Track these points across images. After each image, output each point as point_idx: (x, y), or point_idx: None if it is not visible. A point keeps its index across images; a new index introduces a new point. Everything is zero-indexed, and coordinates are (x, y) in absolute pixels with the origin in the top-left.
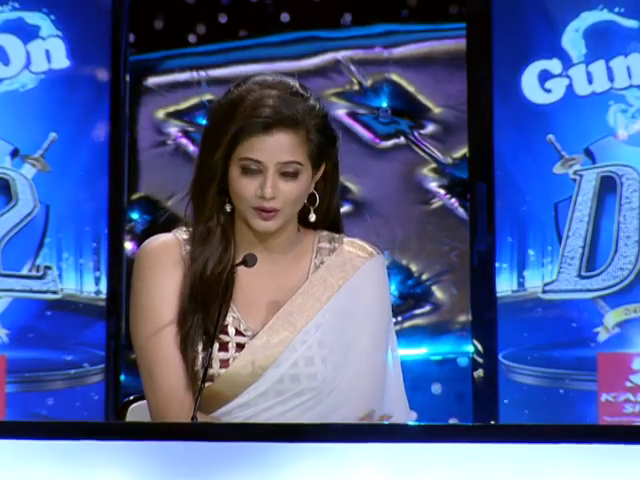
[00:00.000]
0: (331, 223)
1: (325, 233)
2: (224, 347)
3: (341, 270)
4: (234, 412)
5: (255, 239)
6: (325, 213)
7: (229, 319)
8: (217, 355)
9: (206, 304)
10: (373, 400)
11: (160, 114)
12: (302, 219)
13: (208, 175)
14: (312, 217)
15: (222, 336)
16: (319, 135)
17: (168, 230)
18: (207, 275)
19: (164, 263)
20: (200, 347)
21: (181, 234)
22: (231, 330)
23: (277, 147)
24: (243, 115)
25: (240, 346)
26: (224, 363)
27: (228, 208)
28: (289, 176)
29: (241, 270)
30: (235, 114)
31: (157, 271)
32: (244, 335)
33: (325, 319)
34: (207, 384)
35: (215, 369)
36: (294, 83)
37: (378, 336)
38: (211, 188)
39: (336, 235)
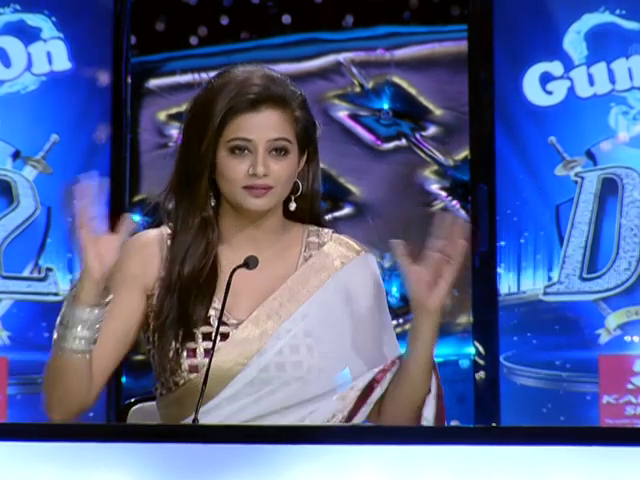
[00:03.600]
0: (315, 217)
1: (313, 228)
2: (208, 337)
3: (329, 264)
4: (223, 404)
5: (240, 227)
6: (310, 207)
7: (212, 311)
8: (201, 344)
9: (185, 298)
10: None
11: (162, 116)
12: (285, 212)
13: (198, 166)
14: (292, 206)
15: (205, 327)
16: (303, 115)
17: None
18: (188, 269)
19: (144, 253)
20: (179, 339)
21: (166, 229)
22: (214, 321)
23: (266, 124)
24: (230, 95)
25: (224, 336)
26: (208, 353)
27: (212, 202)
28: (279, 154)
29: (225, 260)
30: (221, 97)
31: (131, 258)
32: (228, 325)
33: (311, 309)
34: (192, 375)
35: (199, 359)
36: (272, 71)
37: (368, 334)
38: (202, 180)
39: (324, 230)
